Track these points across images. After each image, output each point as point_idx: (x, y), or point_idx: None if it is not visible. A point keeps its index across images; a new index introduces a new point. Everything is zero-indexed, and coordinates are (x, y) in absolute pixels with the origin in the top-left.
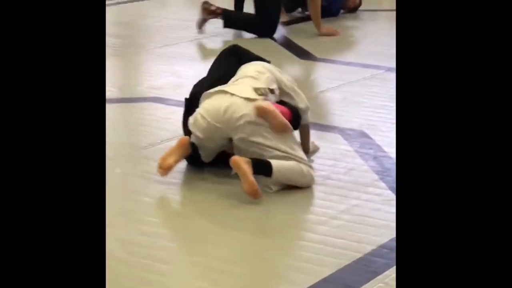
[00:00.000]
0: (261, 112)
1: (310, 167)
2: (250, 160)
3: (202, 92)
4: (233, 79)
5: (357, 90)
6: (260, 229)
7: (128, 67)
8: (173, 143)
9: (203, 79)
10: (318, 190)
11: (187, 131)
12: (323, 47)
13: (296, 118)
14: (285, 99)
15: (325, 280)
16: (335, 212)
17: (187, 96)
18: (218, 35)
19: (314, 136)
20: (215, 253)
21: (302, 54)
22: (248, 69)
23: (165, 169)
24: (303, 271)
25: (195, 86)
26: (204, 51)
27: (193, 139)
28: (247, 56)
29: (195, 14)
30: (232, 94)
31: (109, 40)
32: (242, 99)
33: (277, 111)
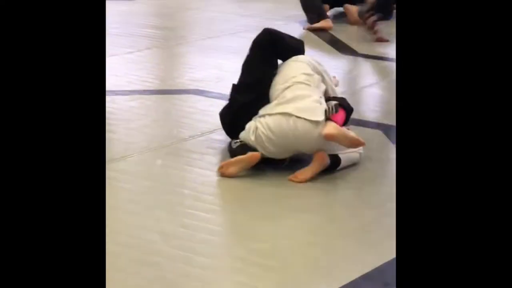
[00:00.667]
0: (330, 139)
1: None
2: (328, 163)
3: (243, 99)
4: (281, 85)
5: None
6: (299, 224)
7: (169, 59)
8: (214, 135)
9: (241, 80)
10: (359, 188)
11: (229, 132)
12: (364, 43)
13: (348, 112)
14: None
15: (365, 277)
16: (379, 211)
17: (229, 97)
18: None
19: (357, 132)
20: (254, 247)
21: (344, 48)
22: (294, 71)
23: (225, 176)
24: (343, 267)
25: (236, 89)
26: (245, 44)
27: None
28: (283, 46)
29: (236, 7)
30: (298, 117)
31: (150, 32)
32: (309, 123)
33: (344, 129)
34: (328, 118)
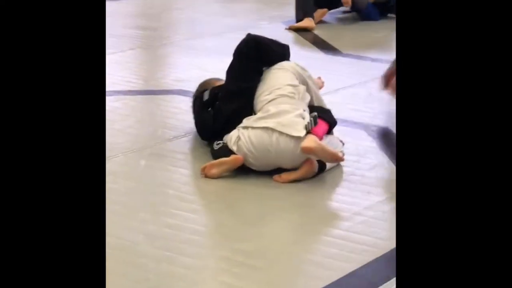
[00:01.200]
0: (308, 152)
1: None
2: (316, 171)
3: (226, 104)
4: (266, 96)
5: None
6: (284, 224)
7: (153, 59)
8: (198, 136)
9: (226, 88)
10: (342, 186)
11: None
12: (349, 43)
13: (331, 124)
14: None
15: (348, 276)
16: (359, 208)
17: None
18: (243, 29)
19: (339, 132)
20: (239, 247)
21: (328, 49)
22: (280, 82)
23: (208, 177)
24: (327, 267)
25: (221, 99)
26: (229, 45)
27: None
28: (268, 53)
29: (220, 8)
30: (280, 133)
31: (134, 32)
32: (290, 138)
33: (322, 144)
34: (308, 132)
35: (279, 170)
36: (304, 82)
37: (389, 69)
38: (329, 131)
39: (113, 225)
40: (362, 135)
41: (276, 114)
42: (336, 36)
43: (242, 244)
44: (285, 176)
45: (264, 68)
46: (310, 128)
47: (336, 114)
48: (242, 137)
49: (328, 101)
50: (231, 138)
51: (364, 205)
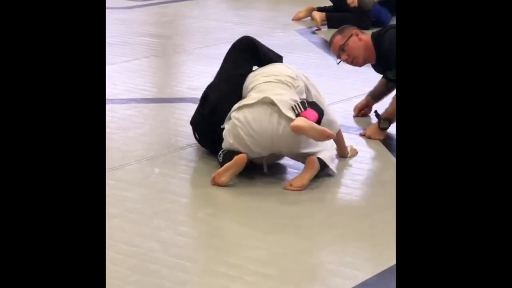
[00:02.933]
0: (298, 131)
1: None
2: (319, 168)
3: (214, 91)
4: (262, 77)
5: None
6: (296, 232)
7: (167, 67)
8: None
9: (215, 77)
10: (355, 195)
11: (196, 129)
12: None
13: (320, 114)
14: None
15: (362, 285)
16: (374, 217)
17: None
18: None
19: (353, 141)
20: (251, 255)
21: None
22: (278, 70)
23: (218, 185)
24: (340, 275)
25: (209, 87)
26: None
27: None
28: (263, 52)
29: (233, 16)
30: (274, 105)
31: (149, 40)
32: (284, 116)
33: (312, 123)
34: (298, 115)
35: (286, 179)
36: (305, 85)
37: (362, 101)
38: (319, 121)
39: (127, 232)
40: (376, 143)
41: (270, 92)
42: None
43: (254, 252)
44: (296, 183)
45: (255, 68)
46: (299, 111)
47: (349, 122)
48: (237, 122)
49: (342, 109)
50: (226, 134)
51: (379, 213)
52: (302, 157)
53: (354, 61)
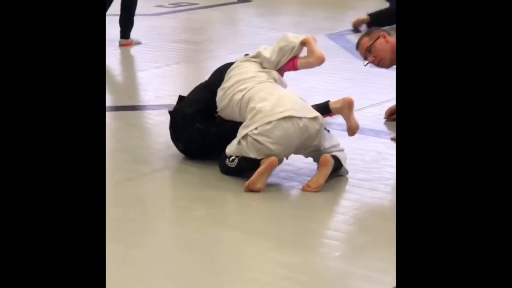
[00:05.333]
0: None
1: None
2: (333, 162)
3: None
4: (240, 86)
5: None
6: (327, 238)
7: (197, 73)
8: None
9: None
10: (387, 199)
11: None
12: None
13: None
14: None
15: None
16: None
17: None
18: None
19: (384, 145)
20: (283, 261)
21: None
22: (248, 73)
23: (253, 192)
24: (372, 280)
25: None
26: None
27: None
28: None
29: (263, 21)
30: (300, 118)
31: (179, 46)
32: (308, 119)
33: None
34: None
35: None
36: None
37: (392, 106)
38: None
39: (154, 233)
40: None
41: (276, 104)
42: None
43: (285, 257)
44: (314, 184)
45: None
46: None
47: (380, 127)
48: (261, 138)
49: (372, 114)
50: (245, 149)
51: None
52: (318, 155)
53: (381, 63)
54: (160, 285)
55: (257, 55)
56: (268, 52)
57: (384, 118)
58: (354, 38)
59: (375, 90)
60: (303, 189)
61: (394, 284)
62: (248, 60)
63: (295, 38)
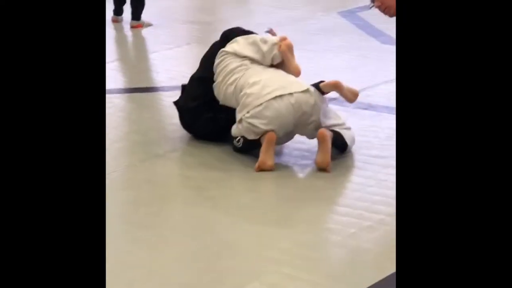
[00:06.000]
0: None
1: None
2: (332, 135)
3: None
4: (236, 64)
5: None
6: (343, 217)
7: None
8: None
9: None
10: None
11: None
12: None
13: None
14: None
15: None
16: None
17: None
18: (300, 21)
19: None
20: (299, 240)
21: (384, 38)
22: (244, 51)
23: (268, 170)
24: (387, 256)
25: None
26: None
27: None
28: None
29: (275, 0)
30: (290, 94)
31: (190, 27)
32: (299, 93)
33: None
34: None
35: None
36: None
37: None
38: None
39: (168, 214)
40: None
41: (264, 86)
42: (392, 24)
43: (303, 236)
44: (322, 162)
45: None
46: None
47: (394, 103)
48: (254, 120)
49: (386, 90)
50: (243, 132)
51: None
52: (316, 132)
53: (386, 10)
54: (175, 266)
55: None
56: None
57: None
58: (365, 15)
59: (388, 67)
60: (318, 168)
61: None
62: (226, 54)
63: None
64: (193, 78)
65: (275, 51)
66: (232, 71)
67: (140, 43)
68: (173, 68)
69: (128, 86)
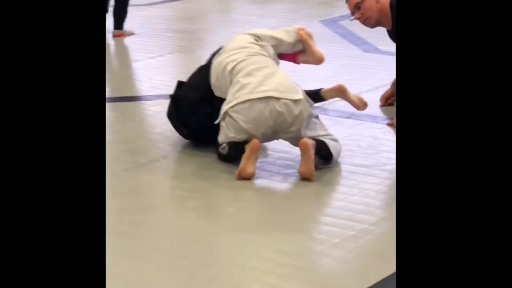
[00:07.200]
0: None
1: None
2: (315, 143)
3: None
4: (232, 57)
5: None
6: (326, 226)
7: (192, 63)
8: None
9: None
10: (385, 185)
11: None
12: (387, 40)
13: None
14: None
15: (393, 276)
16: None
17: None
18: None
19: (380, 130)
20: (282, 249)
21: (365, 46)
22: (241, 43)
23: (247, 179)
24: (372, 266)
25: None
26: None
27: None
28: None
29: (257, 9)
30: (278, 99)
31: (173, 36)
32: (289, 102)
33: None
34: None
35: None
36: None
37: (388, 91)
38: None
39: (152, 224)
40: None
41: (261, 82)
42: (374, 32)
43: (285, 246)
44: (305, 172)
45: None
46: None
47: (376, 112)
48: (236, 115)
49: (369, 99)
50: (226, 130)
51: None
52: (299, 141)
53: (366, 21)
54: (160, 275)
55: (255, 33)
56: (268, 31)
57: (380, 103)
58: (347, 24)
59: (370, 75)
60: (301, 178)
61: (394, 270)
62: (243, 34)
63: (294, 33)
64: (197, 69)
65: (298, 37)
66: (238, 48)
67: (122, 52)
68: (156, 77)
69: (110, 95)
